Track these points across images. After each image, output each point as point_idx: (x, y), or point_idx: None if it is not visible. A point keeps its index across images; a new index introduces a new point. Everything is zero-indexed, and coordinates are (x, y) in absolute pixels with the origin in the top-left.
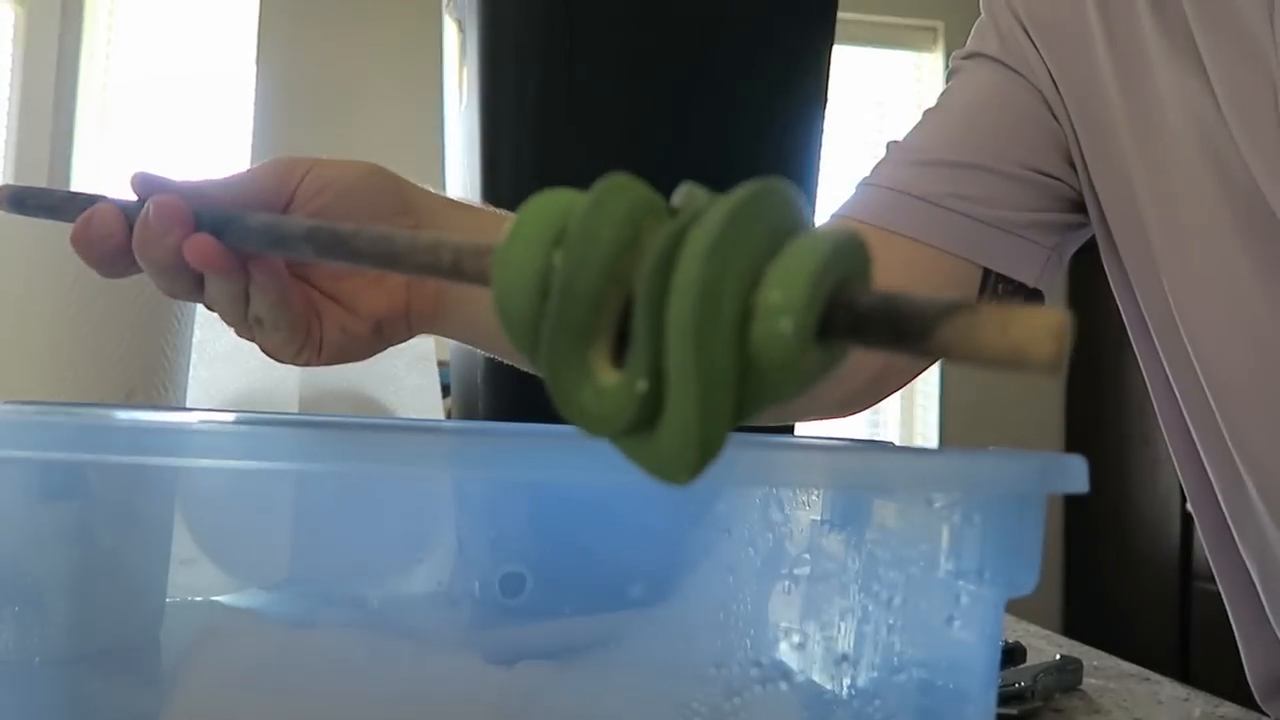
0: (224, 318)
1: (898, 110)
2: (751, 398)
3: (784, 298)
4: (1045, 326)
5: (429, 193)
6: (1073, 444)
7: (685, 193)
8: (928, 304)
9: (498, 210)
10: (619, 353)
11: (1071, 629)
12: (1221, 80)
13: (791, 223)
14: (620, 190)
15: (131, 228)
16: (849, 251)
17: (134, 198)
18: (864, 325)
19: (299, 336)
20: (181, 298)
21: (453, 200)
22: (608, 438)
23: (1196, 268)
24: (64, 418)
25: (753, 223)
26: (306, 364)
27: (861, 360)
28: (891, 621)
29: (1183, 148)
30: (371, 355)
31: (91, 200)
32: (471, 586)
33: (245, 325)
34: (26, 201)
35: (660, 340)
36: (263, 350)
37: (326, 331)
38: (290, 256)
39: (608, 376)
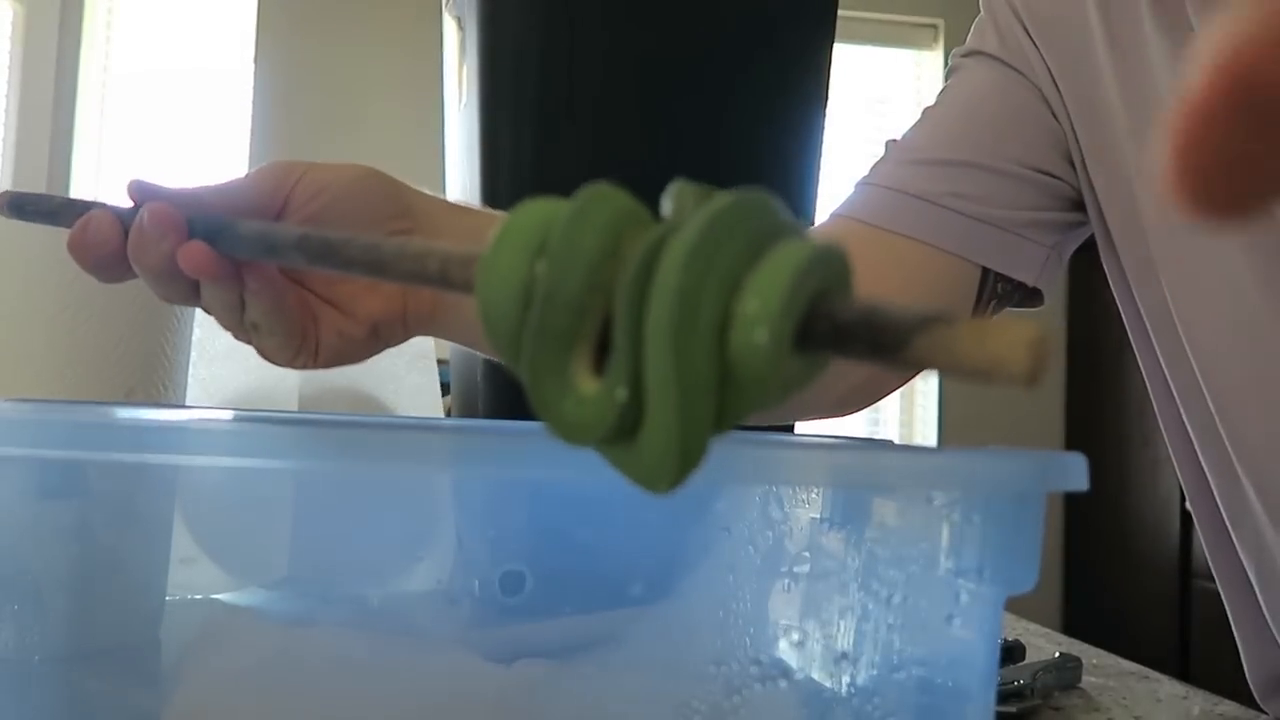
0: (220, 322)
1: (898, 109)
2: (732, 406)
3: (760, 307)
4: (1022, 339)
5: (427, 196)
6: (1073, 443)
7: (674, 192)
8: (905, 315)
9: (497, 213)
10: (600, 362)
11: (1071, 627)
12: None
13: (773, 232)
14: (603, 199)
15: (127, 234)
16: (828, 261)
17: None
18: (842, 336)
19: (295, 341)
20: (178, 303)
21: (452, 204)
22: (589, 446)
23: (1195, 268)
24: (63, 416)
25: (733, 231)
26: (303, 367)
27: None
28: (891, 620)
29: None
30: (369, 357)
31: (89, 206)
32: (471, 585)
33: (241, 330)
34: (25, 207)
35: (640, 348)
36: (259, 354)
37: (323, 335)
38: (282, 264)
39: (588, 385)
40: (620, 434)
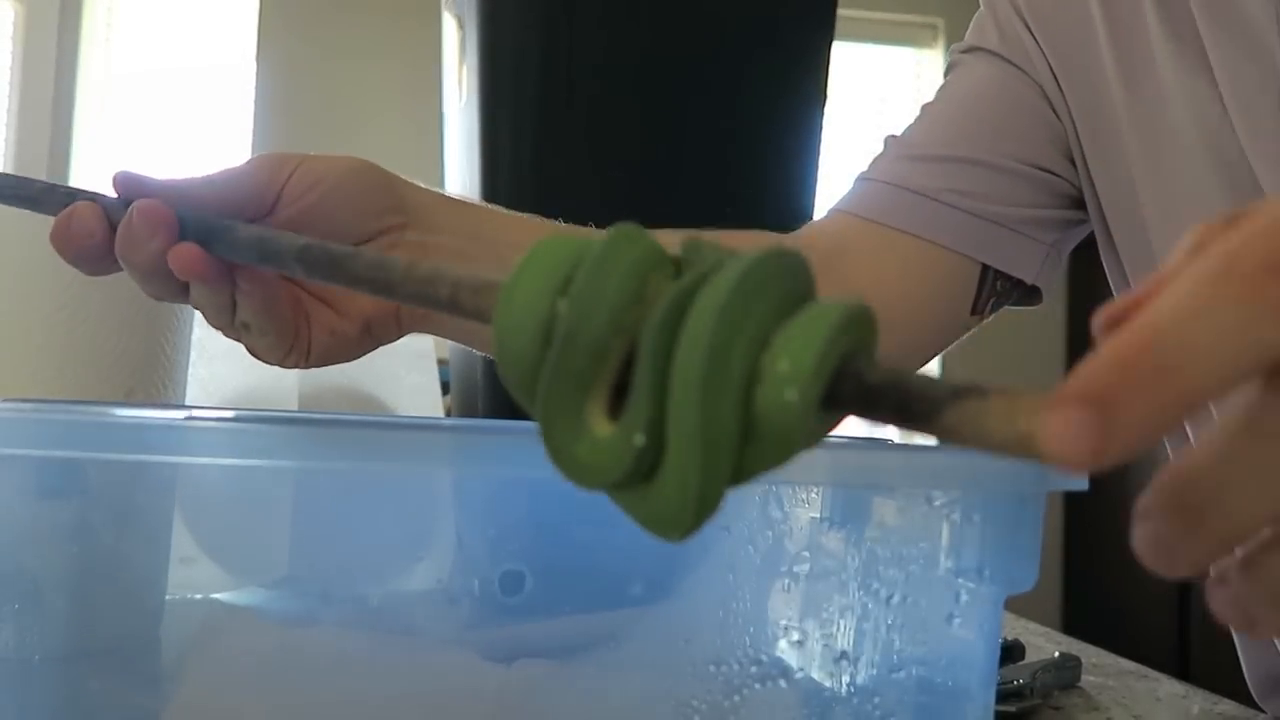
0: (210, 321)
1: (898, 107)
2: (751, 460)
3: (791, 367)
4: None
5: (422, 189)
6: None
7: (691, 246)
8: (936, 386)
9: (493, 207)
10: (615, 403)
11: (1070, 626)
12: (1226, 79)
13: (802, 288)
14: (630, 241)
15: (113, 226)
16: (858, 323)
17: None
18: (870, 399)
19: (287, 340)
20: (166, 300)
21: (447, 197)
22: (601, 489)
23: None
24: (63, 415)
25: (764, 288)
26: (295, 366)
27: None
28: (891, 619)
29: (1186, 148)
30: (361, 355)
31: (73, 193)
32: (471, 584)
33: (232, 329)
34: (4, 191)
35: (662, 395)
36: (250, 352)
37: (315, 334)
38: (280, 272)
39: (603, 428)
40: (633, 478)
